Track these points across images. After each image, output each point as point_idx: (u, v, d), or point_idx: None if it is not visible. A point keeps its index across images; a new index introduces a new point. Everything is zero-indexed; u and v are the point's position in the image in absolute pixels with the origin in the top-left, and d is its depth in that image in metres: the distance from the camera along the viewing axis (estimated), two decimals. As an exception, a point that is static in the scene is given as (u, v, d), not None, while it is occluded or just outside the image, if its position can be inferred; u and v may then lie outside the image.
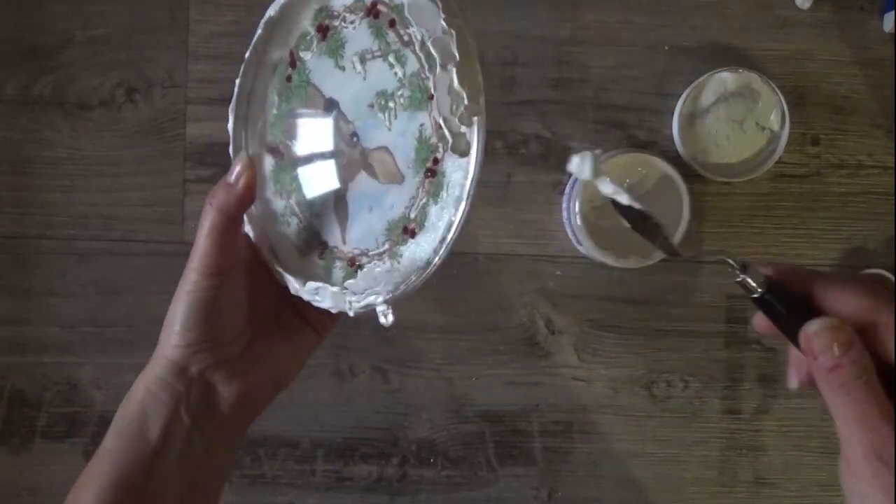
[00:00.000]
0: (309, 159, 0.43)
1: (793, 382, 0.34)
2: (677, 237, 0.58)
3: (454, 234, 0.36)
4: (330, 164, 0.42)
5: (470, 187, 0.35)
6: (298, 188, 0.44)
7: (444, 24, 0.35)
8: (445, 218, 0.36)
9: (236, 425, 0.41)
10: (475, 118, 0.35)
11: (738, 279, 0.33)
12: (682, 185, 0.58)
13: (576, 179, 0.60)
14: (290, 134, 0.44)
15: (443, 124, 0.35)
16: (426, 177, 0.37)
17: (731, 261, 0.33)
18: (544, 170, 0.63)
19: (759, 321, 0.34)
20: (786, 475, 0.64)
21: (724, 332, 0.64)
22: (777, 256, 0.63)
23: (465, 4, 0.62)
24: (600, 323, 0.63)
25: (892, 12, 0.61)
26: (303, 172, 0.44)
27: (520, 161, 0.63)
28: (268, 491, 0.63)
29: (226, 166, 0.61)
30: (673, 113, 0.62)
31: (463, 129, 0.35)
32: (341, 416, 0.63)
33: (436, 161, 0.37)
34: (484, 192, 0.62)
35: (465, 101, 0.35)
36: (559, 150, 0.63)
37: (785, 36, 0.63)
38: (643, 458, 0.64)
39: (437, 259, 0.36)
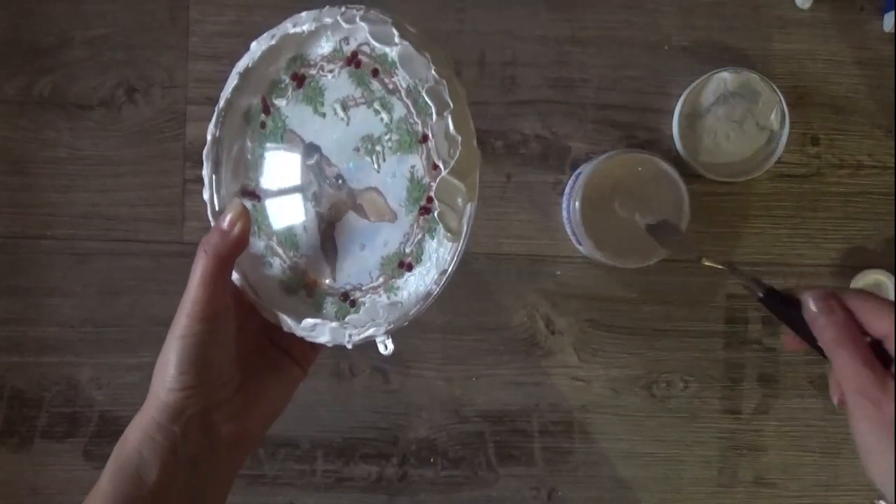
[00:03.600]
0: (287, 199, 0.44)
1: (834, 398, 0.39)
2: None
3: (454, 266, 0.39)
4: (310, 204, 0.43)
5: (468, 221, 0.38)
6: (277, 229, 0.45)
7: (435, 74, 0.38)
8: (443, 251, 0.39)
9: (232, 462, 0.42)
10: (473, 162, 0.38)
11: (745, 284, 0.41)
12: (682, 185, 0.58)
13: (576, 179, 0.60)
14: (267, 177, 0.44)
15: (441, 166, 0.37)
16: (420, 214, 0.39)
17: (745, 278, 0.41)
18: (544, 170, 0.63)
19: (787, 340, 0.41)
20: (786, 475, 0.64)
21: (723, 332, 0.64)
22: (777, 256, 0.63)
23: (465, 4, 0.62)
24: (600, 323, 0.63)
25: (892, 12, 0.61)
26: (281, 214, 0.44)
27: (520, 161, 0.63)
28: (268, 491, 0.63)
29: (226, 166, 0.62)
30: (673, 113, 0.62)
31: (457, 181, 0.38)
32: (341, 416, 0.63)
33: (430, 200, 0.38)
34: (484, 192, 0.62)
35: (460, 147, 0.37)
36: (559, 150, 0.63)
37: (785, 36, 0.63)
38: (643, 458, 0.64)
39: (438, 290, 0.39)
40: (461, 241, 0.38)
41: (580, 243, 0.60)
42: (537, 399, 0.64)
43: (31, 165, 0.62)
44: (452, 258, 0.38)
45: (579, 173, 0.60)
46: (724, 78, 0.61)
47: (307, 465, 0.63)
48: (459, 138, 0.37)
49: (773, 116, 0.61)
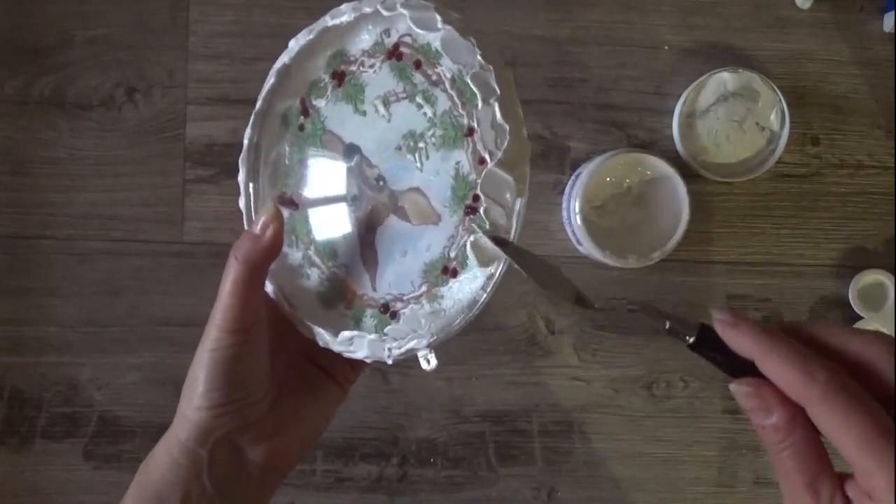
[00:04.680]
0: (326, 207, 0.42)
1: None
2: (677, 238, 0.58)
3: (502, 269, 0.35)
4: (349, 210, 0.41)
5: (517, 218, 0.35)
6: (316, 238, 0.42)
7: (480, 59, 0.35)
8: None
9: (265, 488, 0.39)
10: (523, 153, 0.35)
11: (667, 327, 0.31)
12: (681, 185, 0.58)
13: (576, 179, 0.60)
14: (304, 183, 0.42)
15: (488, 158, 0.34)
16: (466, 213, 0.36)
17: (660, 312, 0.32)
18: (544, 170, 0.63)
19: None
20: (786, 475, 0.64)
21: (724, 332, 0.63)
22: (777, 256, 0.63)
23: (465, 5, 0.62)
24: (600, 323, 0.63)
25: (892, 12, 0.61)
26: (320, 222, 0.42)
27: (520, 161, 0.63)
28: (268, 491, 0.63)
29: (224, 166, 0.62)
30: (673, 113, 0.62)
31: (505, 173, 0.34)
32: (341, 416, 0.63)
33: (475, 198, 0.35)
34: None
35: (508, 137, 0.34)
36: (559, 150, 0.63)
37: (785, 36, 0.63)
38: (643, 458, 0.64)
39: (485, 296, 0.35)
40: (510, 240, 0.34)
41: (580, 243, 0.60)
42: (537, 399, 0.64)
43: (31, 165, 0.62)
44: (501, 262, 0.35)
45: (579, 173, 0.60)
46: (724, 78, 0.61)
47: (307, 465, 0.63)
48: (507, 127, 0.34)
49: (773, 116, 0.61)
